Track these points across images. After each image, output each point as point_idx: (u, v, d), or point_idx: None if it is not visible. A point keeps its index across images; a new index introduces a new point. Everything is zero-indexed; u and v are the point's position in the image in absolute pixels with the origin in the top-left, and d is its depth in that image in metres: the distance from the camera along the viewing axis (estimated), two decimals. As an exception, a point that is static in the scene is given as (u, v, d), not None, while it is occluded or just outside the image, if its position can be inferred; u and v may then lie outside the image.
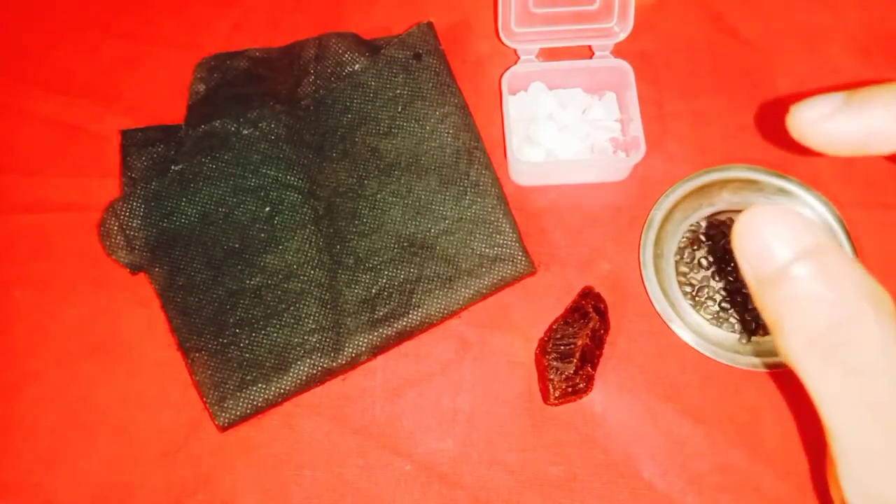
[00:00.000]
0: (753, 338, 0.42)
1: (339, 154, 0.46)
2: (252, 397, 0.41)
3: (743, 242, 0.21)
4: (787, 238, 0.21)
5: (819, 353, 0.20)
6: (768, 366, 0.40)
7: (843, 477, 0.21)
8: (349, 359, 0.41)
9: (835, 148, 0.22)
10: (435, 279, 0.43)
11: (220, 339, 0.42)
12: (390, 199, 0.45)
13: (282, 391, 0.41)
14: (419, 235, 0.44)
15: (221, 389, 0.41)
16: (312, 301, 0.42)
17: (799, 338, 0.20)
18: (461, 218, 0.44)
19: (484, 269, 0.43)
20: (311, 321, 0.42)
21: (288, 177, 0.45)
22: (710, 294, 0.43)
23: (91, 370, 0.43)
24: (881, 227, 0.44)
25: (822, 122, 0.22)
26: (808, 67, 0.49)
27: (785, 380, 0.40)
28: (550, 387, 0.40)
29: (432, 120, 0.46)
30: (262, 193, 0.45)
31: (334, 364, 0.41)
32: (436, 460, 0.40)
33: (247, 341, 0.42)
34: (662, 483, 0.39)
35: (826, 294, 0.20)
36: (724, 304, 0.42)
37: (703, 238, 0.44)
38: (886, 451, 0.20)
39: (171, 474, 0.41)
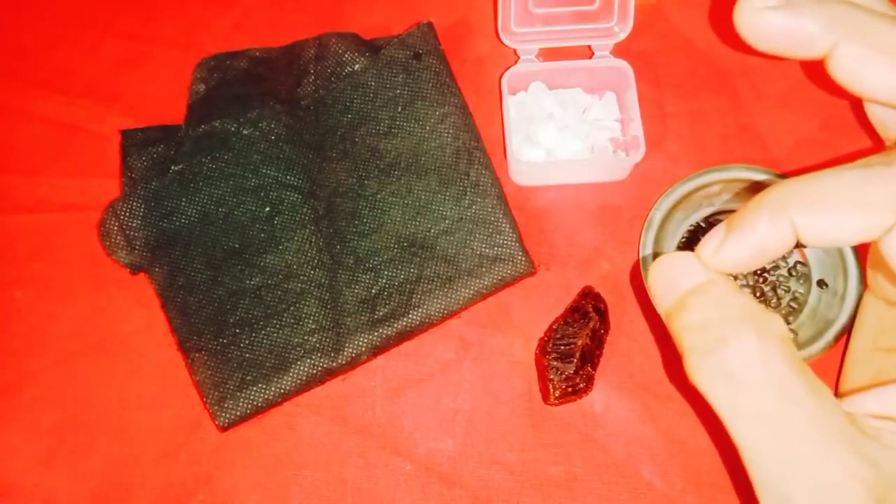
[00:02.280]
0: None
1: (339, 154, 0.46)
2: (252, 397, 0.41)
3: (653, 284, 0.26)
4: (683, 276, 0.25)
5: (709, 369, 0.23)
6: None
7: (756, 486, 0.23)
8: (349, 359, 0.41)
9: (767, 40, 0.25)
10: (435, 279, 0.43)
11: (220, 339, 0.42)
12: (390, 199, 0.45)
13: (282, 391, 0.41)
14: (419, 235, 0.44)
15: (221, 389, 0.41)
16: (312, 301, 0.42)
17: (694, 358, 0.23)
18: (461, 218, 0.44)
19: (484, 269, 0.43)
20: (311, 321, 0.42)
21: (288, 177, 0.45)
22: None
23: (91, 370, 0.43)
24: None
25: (765, 11, 0.24)
26: (809, 67, 0.49)
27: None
28: (550, 387, 0.40)
29: (432, 120, 0.46)
30: (262, 193, 0.45)
31: (334, 364, 0.41)
32: (436, 460, 0.41)
33: (247, 341, 0.42)
34: (662, 483, 0.39)
35: (712, 318, 0.23)
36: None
37: (702, 238, 0.44)
38: (785, 458, 0.22)
39: (171, 474, 0.41)
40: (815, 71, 0.49)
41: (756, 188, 0.44)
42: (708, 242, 0.25)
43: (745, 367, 0.22)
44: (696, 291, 0.24)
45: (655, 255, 0.43)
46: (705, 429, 0.40)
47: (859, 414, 0.23)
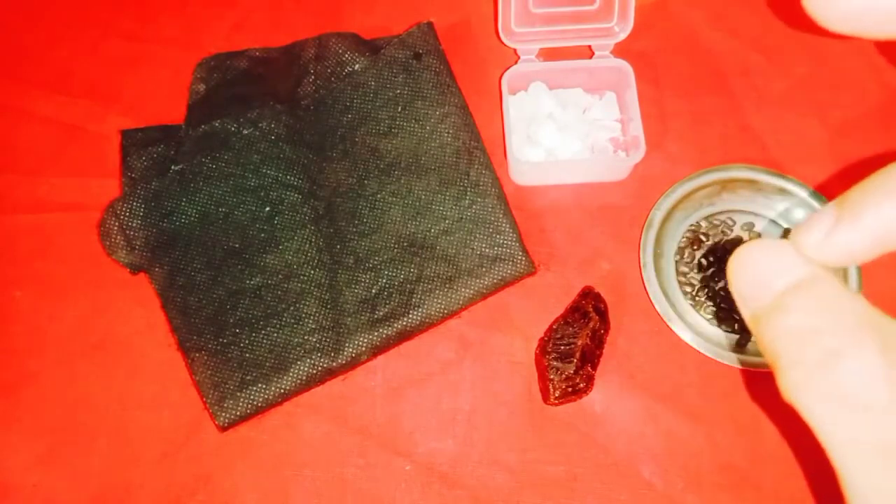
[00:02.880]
0: (753, 338, 0.42)
1: (339, 154, 0.46)
2: (252, 397, 0.41)
3: (737, 279, 0.21)
4: (779, 271, 0.20)
5: (818, 387, 0.19)
6: (768, 366, 0.40)
7: None
8: (349, 359, 0.41)
9: (848, 19, 0.20)
10: (435, 279, 0.43)
11: (220, 339, 0.42)
12: (390, 198, 0.45)
13: (282, 391, 0.41)
14: (419, 235, 0.44)
15: (221, 389, 0.41)
16: (312, 301, 0.42)
17: (796, 373, 0.19)
18: (461, 218, 0.44)
19: (484, 269, 0.43)
20: (311, 321, 0.42)
21: (288, 177, 0.45)
22: (710, 294, 0.43)
23: (91, 370, 0.43)
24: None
25: None
26: (809, 67, 0.49)
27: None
28: (551, 387, 0.40)
29: (432, 120, 0.46)
30: (262, 193, 0.45)
31: (334, 364, 0.41)
32: (436, 460, 0.40)
33: (247, 341, 0.42)
34: (663, 483, 0.39)
35: (821, 325, 0.19)
36: (723, 305, 0.42)
37: (703, 238, 0.44)
38: None
39: (171, 474, 0.41)
40: (815, 72, 0.49)
41: (756, 188, 0.44)
42: (812, 228, 0.20)
43: (866, 388, 0.18)
44: (799, 290, 0.20)
45: (656, 255, 0.43)
46: (704, 427, 0.40)
47: None
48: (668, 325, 0.41)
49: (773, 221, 0.44)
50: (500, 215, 0.43)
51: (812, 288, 0.20)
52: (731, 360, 0.40)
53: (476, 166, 0.45)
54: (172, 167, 0.45)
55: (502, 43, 0.47)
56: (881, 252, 0.20)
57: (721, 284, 0.43)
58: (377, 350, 0.42)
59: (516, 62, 0.47)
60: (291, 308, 0.42)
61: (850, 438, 0.18)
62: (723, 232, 0.44)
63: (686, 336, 0.41)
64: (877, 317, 0.19)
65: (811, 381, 0.19)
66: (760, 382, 0.41)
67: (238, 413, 0.40)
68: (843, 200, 0.20)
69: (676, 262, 0.44)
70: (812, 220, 0.20)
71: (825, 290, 0.20)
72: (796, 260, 0.20)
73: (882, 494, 0.18)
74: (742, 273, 0.21)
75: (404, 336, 0.42)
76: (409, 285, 0.43)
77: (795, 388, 0.19)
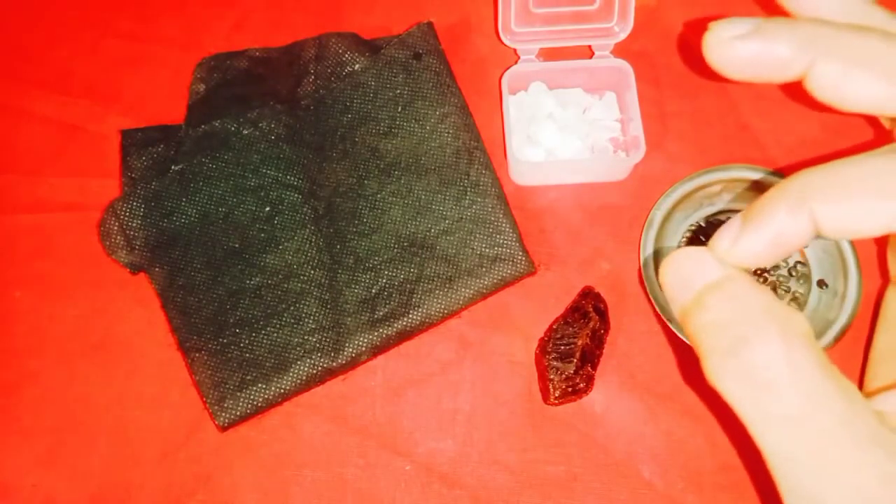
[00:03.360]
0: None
1: (339, 154, 0.46)
2: (252, 397, 0.41)
3: (666, 281, 0.24)
4: (698, 273, 0.23)
5: (731, 370, 0.22)
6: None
7: (783, 494, 0.22)
8: (349, 359, 0.41)
9: (741, 70, 0.24)
10: (435, 279, 0.43)
11: (220, 339, 0.42)
12: (390, 198, 0.45)
13: (282, 391, 0.41)
14: (419, 235, 0.44)
15: (221, 389, 0.41)
16: (312, 301, 0.42)
17: (713, 359, 0.22)
18: (461, 218, 0.44)
19: (484, 269, 0.43)
20: (311, 321, 0.42)
21: (288, 177, 0.45)
22: (710, 294, 0.43)
23: (91, 370, 0.43)
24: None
25: (734, 41, 0.24)
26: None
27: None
28: (550, 387, 0.40)
29: (432, 120, 0.46)
30: (262, 193, 0.45)
31: (334, 364, 0.41)
32: (436, 460, 0.41)
33: (247, 341, 0.42)
34: (663, 483, 0.39)
35: (732, 316, 0.22)
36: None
37: (703, 238, 0.44)
38: (815, 464, 0.21)
39: (171, 474, 0.41)
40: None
41: (756, 188, 0.44)
42: (723, 235, 0.24)
43: (770, 368, 0.21)
44: (713, 288, 0.23)
45: (656, 254, 0.43)
46: (704, 427, 0.40)
47: (890, 413, 0.22)
48: (668, 325, 0.41)
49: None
50: (500, 215, 0.43)
51: (724, 286, 0.23)
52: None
53: (476, 166, 0.45)
54: (172, 167, 0.45)
55: (502, 43, 0.47)
56: (780, 255, 0.23)
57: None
58: (377, 350, 0.42)
59: (516, 62, 0.47)
60: (291, 308, 0.42)
61: (759, 413, 0.21)
62: (723, 232, 0.44)
63: (686, 336, 0.41)
64: (780, 308, 0.22)
65: (725, 366, 0.22)
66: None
67: (238, 413, 0.40)
68: (747, 212, 0.23)
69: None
70: (723, 228, 0.24)
71: (735, 288, 0.22)
72: (712, 263, 0.23)
73: (793, 460, 0.21)
74: (670, 276, 0.24)
75: (404, 336, 0.42)
76: (409, 285, 0.43)
77: (714, 372, 0.22)
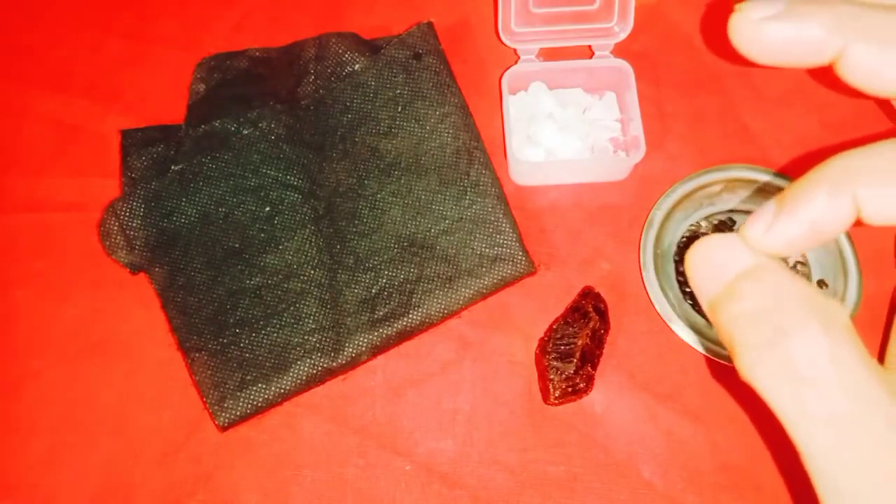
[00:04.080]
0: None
1: (339, 154, 0.46)
2: (252, 397, 0.41)
3: (693, 271, 0.23)
4: (729, 260, 0.22)
5: (769, 365, 0.20)
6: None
7: (824, 495, 0.21)
8: (349, 359, 0.41)
9: (770, 53, 0.23)
10: (435, 279, 0.43)
11: (220, 339, 0.42)
12: (390, 198, 0.45)
13: (282, 391, 0.41)
14: (419, 235, 0.44)
15: (221, 389, 0.41)
16: (312, 301, 0.42)
17: (749, 353, 0.21)
18: (461, 218, 0.44)
19: (484, 269, 0.43)
20: (311, 321, 0.42)
21: (288, 177, 0.45)
22: (710, 294, 0.43)
23: (91, 370, 0.43)
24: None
25: (763, 23, 0.22)
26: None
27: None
28: (551, 387, 0.40)
29: (432, 120, 0.46)
30: (262, 193, 0.45)
31: (334, 364, 0.41)
32: (436, 460, 0.41)
33: (247, 341, 0.42)
34: (663, 483, 0.39)
35: (769, 308, 0.20)
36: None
37: (748, 218, 0.44)
38: (861, 465, 0.19)
39: (171, 474, 0.41)
40: (816, 71, 0.49)
41: (756, 188, 0.44)
42: (756, 221, 0.22)
43: (812, 362, 0.20)
44: (747, 277, 0.21)
45: (656, 255, 0.43)
46: (704, 427, 0.40)
47: None
48: (668, 325, 0.41)
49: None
50: (500, 215, 0.43)
51: (759, 275, 0.21)
52: (731, 359, 0.40)
53: (476, 166, 0.45)
54: (172, 167, 0.45)
55: (502, 43, 0.47)
56: (817, 242, 0.21)
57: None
58: (377, 350, 0.42)
59: (516, 62, 0.47)
60: (291, 308, 0.42)
61: (800, 411, 0.20)
62: (723, 232, 0.44)
63: (686, 336, 0.41)
64: (819, 298, 0.20)
65: (763, 360, 0.20)
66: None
67: (238, 413, 0.40)
68: (783, 196, 0.22)
69: (676, 262, 0.44)
70: (756, 213, 0.22)
71: (771, 277, 0.21)
72: (744, 251, 0.22)
73: (835, 461, 0.20)
74: (698, 266, 0.23)
75: (404, 336, 0.42)
76: (409, 285, 0.43)
77: (750, 367, 0.21)
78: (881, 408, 0.19)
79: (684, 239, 0.44)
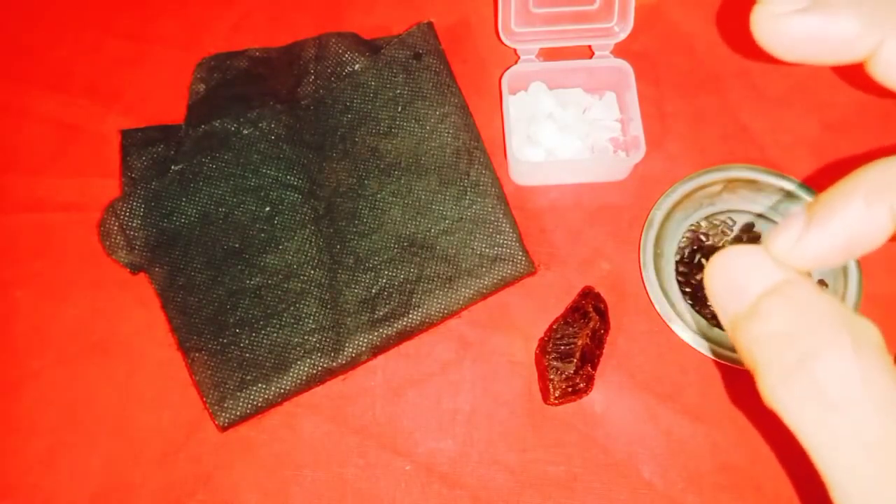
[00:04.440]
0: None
1: (339, 154, 0.46)
2: (252, 397, 0.41)
3: (714, 285, 0.21)
4: (754, 276, 0.20)
5: (796, 389, 0.19)
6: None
7: None
8: (349, 359, 0.41)
9: (796, 48, 0.21)
10: (435, 279, 0.43)
11: (220, 339, 0.42)
12: (390, 198, 0.45)
13: (282, 391, 0.41)
14: (419, 235, 0.44)
15: (221, 389, 0.41)
16: (312, 301, 0.42)
17: (775, 376, 0.19)
18: (461, 218, 0.44)
19: (484, 269, 0.43)
20: (311, 321, 0.42)
21: (288, 177, 0.45)
22: (710, 294, 0.43)
23: (91, 370, 0.43)
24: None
25: (789, 16, 0.21)
26: (808, 67, 0.48)
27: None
28: (551, 387, 0.40)
29: (432, 120, 0.46)
30: (262, 193, 0.45)
31: (334, 364, 0.41)
32: (436, 460, 0.40)
33: (247, 341, 0.42)
34: (663, 482, 0.39)
35: (796, 327, 0.19)
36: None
37: (703, 238, 0.44)
38: (893, 497, 0.18)
39: (171, 474, 0.41)
40: (814, 72, 0.49)
41: (756, 188, 0.44)
42: (783, 233, 0.20)
43: (843, 385, 0.18)
44: (773, 294, 0.20)
45: (656, 255, 0.43)
46: (704, 427, 0.40)
47: None
48: (668, 325, 0.41)
49: (773, 222, 0.44)
50: (500, 215, 0.43)
51: (786, 292, 0.20)
52: (731, 360, 0.40)
53: (476, 166, 0.45)
54: (172, 167, 0.45)
55: (502, 43, 0.47)
56: (851, 256, 0.20)
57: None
58: (377, 350, 0.42)
59: (516, 62, 0.47)
60: (291, 308, 0.42)
61: (830, 439, 0.19)
62: (723, 232, 0.44)
63: (686, 336, 0.41)
64: (850, 317, 0.19)
65: (789, 384, 0.19)
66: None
67: (238, 413, 0.40)
68: (813, 205, 0.20)
69: (676, 262, 0.44)
70: (783, 225, 0.21)
71: (799, 294, 0.20)
72: (770, 265, 0.20)
73: (865, 492, 0.18)
74: (718, 280, 0.21)
75: (404, 336, 0.42)
76: (409, 285, 0.43)
77: (774, 391, 0.19)
78: None
79: (684, 239, 0.44)
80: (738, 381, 0.41)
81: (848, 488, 0.19)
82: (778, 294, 0.20)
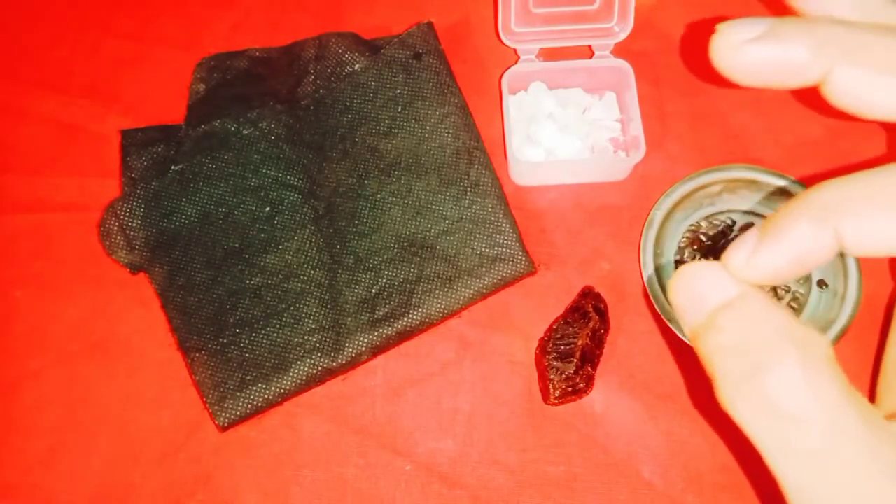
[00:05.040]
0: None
1: (339, 154, 0.46)
2: (252, 397, 0.41)
3: (676, 297, 0.22)
4: (711, 290, 0.22)
5: (748, 399, 0.20)
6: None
7: None
8: (349, 359, 0.41)
9: (753, 75, 0.22)
10: (435, 279, 0.43)
11: (220, 339, 0.42)
12: (390, 198, 0.45)
13: (282, 391, 0.41)
14: (419, 235, 0.44)
15: (221, 389, 0.41)
16: (312, 301, 0.42)
17: (728, 385, 0.21)
18: (461, 218, 0.44)
19: (484, 269, 0.43)
20: (311, 321, 0.42)
21: (288, 177, 0.45)
22: (710, 294, 0.43)
23: (91, 370, 0.43)
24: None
25: (745, 45, 0.22)
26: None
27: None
28: (551, 386, 0.40)
29: (432, 120, 0.46)
30: (262, 193, 0.45)
31: (334, 364, 0.41)
32: (436, 460, 0.41)
33: (247, 341, 0.42)
34: (663, 482, 0.39)
35: (748, 339, 0.20)
36: (724, 304, 0.42)
37: (703, 238, 0.44)
38: (840, 500, 0.19)
39: (171, 474, 0.41)
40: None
41: (756, 188, 0.44)
42: (738, 250, 0.22)
43: (790, 396, 0.20)
44: (728, 308, 0.21)
45: (656, 255, 0.43)
46: (704, 427, 0.40)
47: None
48: (668, 325, 0.41)
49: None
50: (500, 215, 0.43)
51: (739, 306, 0.21)
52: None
53: (476, 166, 0.45)
54: (172, 167, 0.45)
55: (502, 43, 0.47)
56: (800, 272, 0.21)
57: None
58: (377, 350, 0.42)
59: (516, 62, 0.47)
60: (291, 308, 0.42)
61: (779, 446, 0.20)
62: (723, 232, 0.44)
63: (686, 336, 0.41)
64: (799, 330, 0.20)
65: (742, 393, 0.20)
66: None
67: (238, 413, 0.40)
68: (766, 224, 0.21)
69: (676, 262, 0.44)
70: (739, 242, 0.22)
71: (751, 308, 0.21)
72: (727, 280, 0.22)
73: (817, 497, 0.20)
74: (681, 293, 0.22)
75: (404, 336, 0.42)
76: (409, 285, 0.43)
77: (729, 399, 0.21)
78: (861, 443, 0.19)
79: (684, 239, 0.44)
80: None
81: (796, 491, 0.20)
82: (732, 308, 0.21)
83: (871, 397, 0.33)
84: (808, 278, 0.42)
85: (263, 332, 0.42)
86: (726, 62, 0.23)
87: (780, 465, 0.20)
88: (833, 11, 0.23)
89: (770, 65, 0.22)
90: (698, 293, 0.22)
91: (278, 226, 0.44)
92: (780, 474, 0.20)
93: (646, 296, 0.43)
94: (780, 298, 0.42)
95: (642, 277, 0.43)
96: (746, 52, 0.22)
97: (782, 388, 0.20)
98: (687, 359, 0.42)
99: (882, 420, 0.20)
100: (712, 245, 0.44)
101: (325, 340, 0.41)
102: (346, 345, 0.41)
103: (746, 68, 0.22)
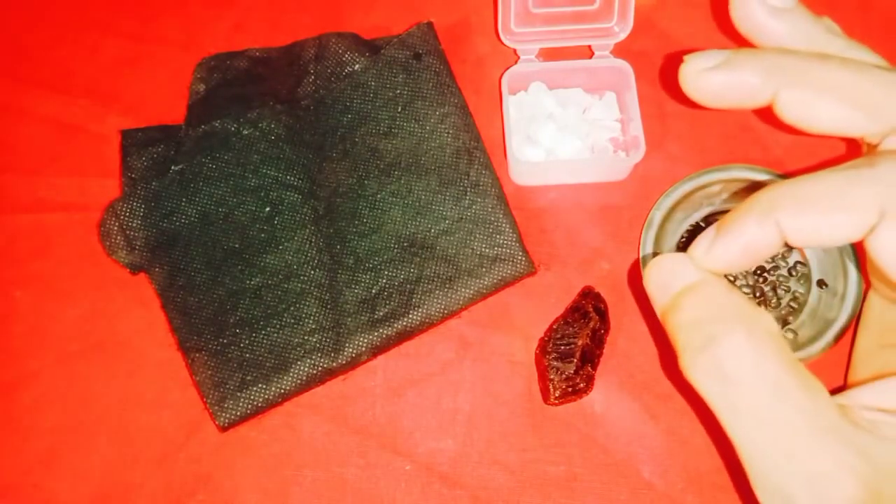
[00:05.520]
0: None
1: (339, 154, 0.46)
2: (252, 397, 0.41)
3: (648, 284, 0.27)
4: (677, 276, 0.26)
5: (702, 367, 0.24)
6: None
7: (752, 480, 0.24)
8: (349, 359, 0.41)
9: (714, 98, 0.27)
10: (435, 279, 0.43)
11: (221, 339, 0.42)
12: (390, 199, 0.45)
13: (282, 391, 0.41)
14: (419, 235, 0.44)
15: (221, 389, 0.41)
16: (312, 301, 0.42)
17: (687, 355, 0.24)
18: (461, 218, 0.44)
19: (484, 269, 0.43)
20: (311, 321, 0.42)
21: (288, 177, 0.45)
22: (710, 294, 0.43)
23: (91, 370, 0.43)
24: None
25: (706, 73, 0.26)
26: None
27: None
28: (551, 387, 0.40)
29: (432, 120, 0.46)
30: (262, 193, 0.45)
31: (334, 364, 0.41)
32: (436, 460, 0.41)
33: (247, 341, 0.42)
34: (663, 482, 0.39)
35: (704, 316, 0.24)
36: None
37: (695, 239, 0.44)
38: (778, 452, 0.22)
39: (171, 474, 0.41)
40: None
41: (756, 188, 0.44)
42: (699, 243, 0.26)
43: (737, 364, 0.23)
44: (689, 291, 0.25)
45: (655, 255, 0.43)
46: (704, 427, 0.40)
47: (855, 407, 0.24)
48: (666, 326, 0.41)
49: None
50: (500, 215, 0.43)
51: (698, 289, 0.25)
52: None
53: (476, 166, 0.45)
54: (172, 167, 0.45)
55: (502, 43, 0.47)
56: (752, 262, 0.25)
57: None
58: (377, 350, 0.42)
59: (516, 62, 0.47)
60: (291, 308, 0.42)
61: (728, 406, 0.23)
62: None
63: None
64: (748, 308, 0.24)
65: (698, 362, 0.24)
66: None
67: (238, 413, 0.41)
68: (721, 222, 0.25)
69: (676, 262, 0.44)
70: (701, 236, 0.26)
71: (708, 291, 0.25)
72: (690, 268, 0.26)
73: (759, 451, 0.23)
74: (652, 280, 0.27)
75: (404, 336, 0.42)
76: (409, 285, 0.43)
77: (688, 367, 0.24)
78: (795, 402, 0.22)
79: (684, 239, 0.44)
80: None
81: (744, 445, 0.23)
82: (692, 291, 0.25)
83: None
84: (808, 278, 0.42)
85: (263, 332, 0.42)
86: (692, 87, 0.27)
87: (730, 424, 0.24)
88: (784, 42, 0.27)
89: (727, 89, 0.26)
90: (666, 279, 0.26)
91: (278, 226, 0.44)
92: (731, 432, 0.24)
93: (635, 295, 0.43)
94: (780, 298, 0.42)
95: (643, 277, 0.42)
96: (708, 78, 0.26)
97: (731, 356, 0.23)
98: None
99: (821, 389, 0.23)
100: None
101: (326, 340, 0.41)
102: (347, 345, 0.41)
103: (708, 92, 0.27)
